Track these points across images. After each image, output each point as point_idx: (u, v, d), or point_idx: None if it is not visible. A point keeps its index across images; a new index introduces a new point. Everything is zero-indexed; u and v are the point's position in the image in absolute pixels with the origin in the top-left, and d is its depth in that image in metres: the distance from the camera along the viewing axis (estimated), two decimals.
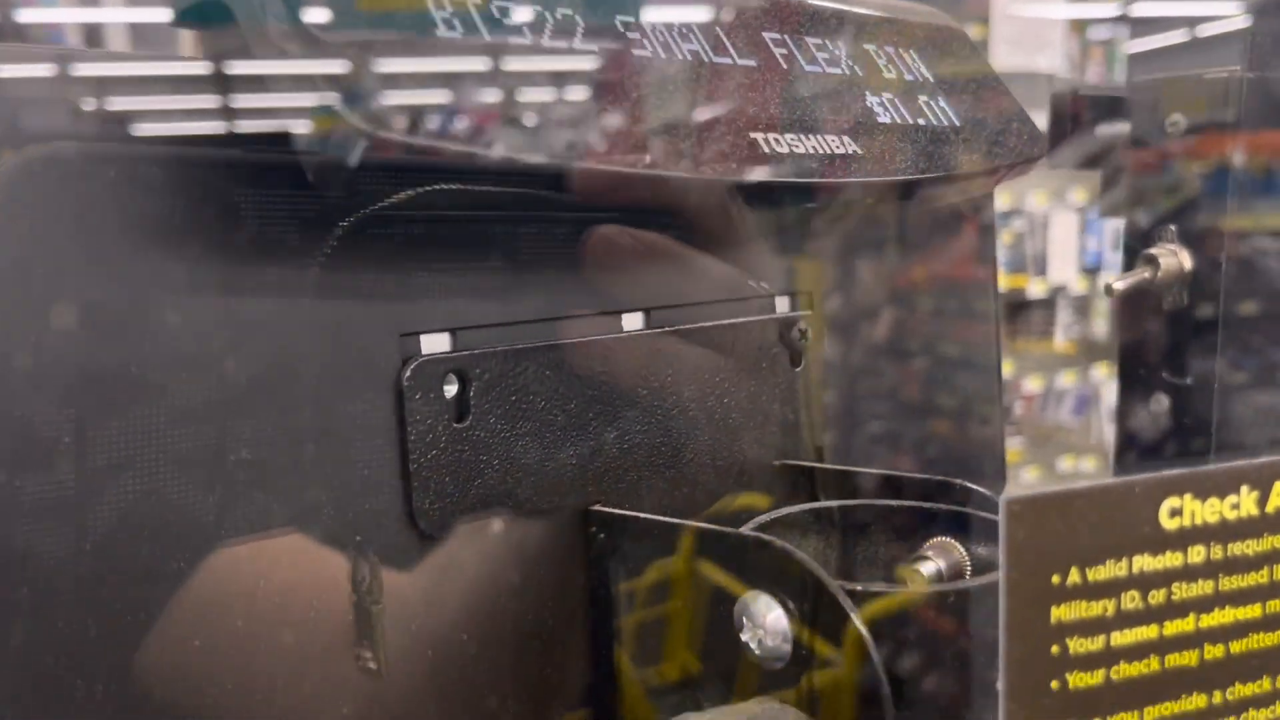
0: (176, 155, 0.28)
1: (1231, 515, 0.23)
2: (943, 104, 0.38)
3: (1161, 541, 0.23)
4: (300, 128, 0.26)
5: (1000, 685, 0.22)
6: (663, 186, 0.30)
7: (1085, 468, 2.61)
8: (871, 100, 0.35)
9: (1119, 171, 0.50)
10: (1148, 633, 0.23)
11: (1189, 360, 0.49)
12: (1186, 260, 0.48)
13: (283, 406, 0.29)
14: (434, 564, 0.32)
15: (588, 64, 0.30)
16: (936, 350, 0.49)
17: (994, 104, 0.40)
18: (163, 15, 0.28)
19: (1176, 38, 0.74)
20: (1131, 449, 0.51)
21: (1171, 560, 0.23)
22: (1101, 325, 2.75)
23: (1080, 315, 2.78)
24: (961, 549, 0.34)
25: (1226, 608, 0.24)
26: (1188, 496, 0.23)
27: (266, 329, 0.29)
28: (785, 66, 0.34)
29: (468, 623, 0.33)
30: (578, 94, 0.29)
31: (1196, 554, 0.23)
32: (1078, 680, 0.23)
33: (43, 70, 0.28)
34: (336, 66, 0.25)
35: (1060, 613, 0.23)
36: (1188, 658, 0.24)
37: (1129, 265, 0.50)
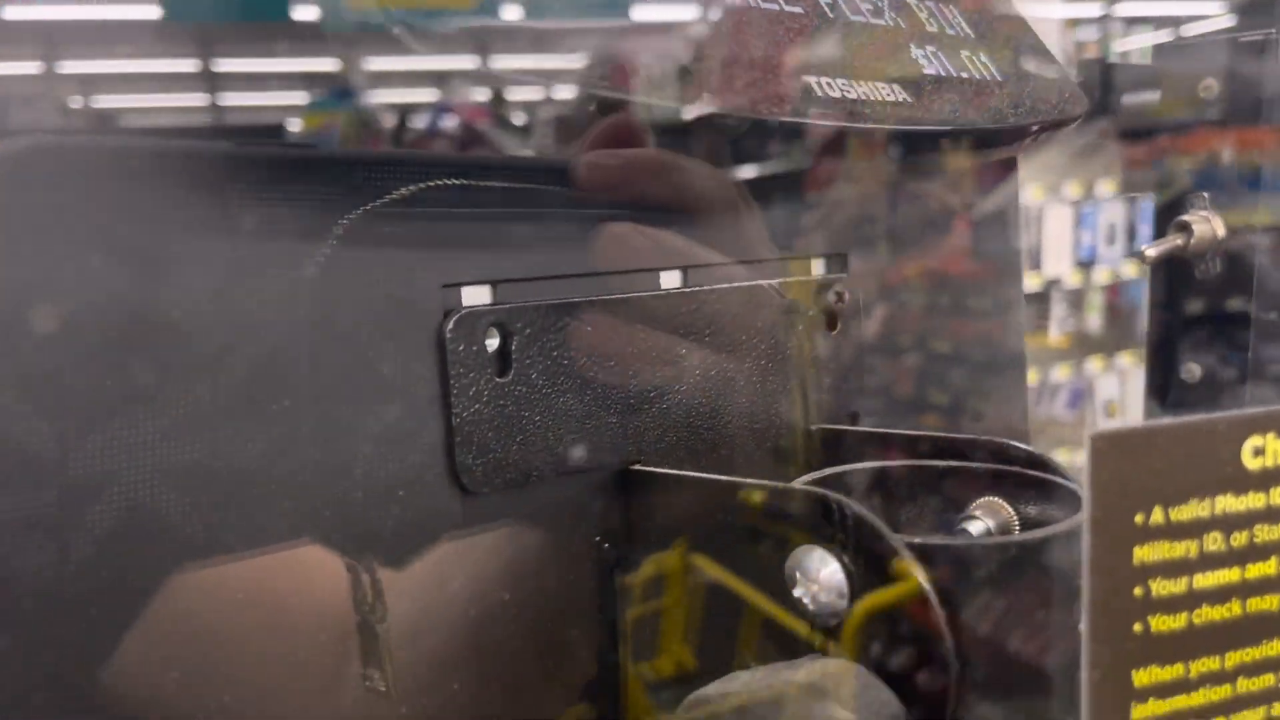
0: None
1: None
2: (984, 59, 0.37)
3: (1244, 481, 0.23)
4: None
5: (1083, 627, 0.22)
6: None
7: (1081, 462, 2.61)
8: (916, 52, 0.35)
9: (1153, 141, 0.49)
10: (1230, 575, 0.23)
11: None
12: (1220, 227, 0.47)
13: (321, 362, 0.29)
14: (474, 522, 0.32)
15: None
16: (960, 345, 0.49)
17: (1034, 61, 0.39)
18: None
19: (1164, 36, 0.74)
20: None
21: (1254, 501, 0.23)
22: (1095, 319, 2.75)
23: (1074, 309, 2.78)
24: (1009, 508, 0.34)
25: None
26: (1270, 435, 0.23)
27: (308, 284, 0.28)
28: (830, 15, 0.33)
29: (510, 584, 0.32)
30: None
31: (1278, 496, 0.23)
32: (1160, 624, 0.22)
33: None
34: None
35: (1143, 553, 0.22)
36: (1269, 602, 0.23)
37: (1160, 234, 0.49)
